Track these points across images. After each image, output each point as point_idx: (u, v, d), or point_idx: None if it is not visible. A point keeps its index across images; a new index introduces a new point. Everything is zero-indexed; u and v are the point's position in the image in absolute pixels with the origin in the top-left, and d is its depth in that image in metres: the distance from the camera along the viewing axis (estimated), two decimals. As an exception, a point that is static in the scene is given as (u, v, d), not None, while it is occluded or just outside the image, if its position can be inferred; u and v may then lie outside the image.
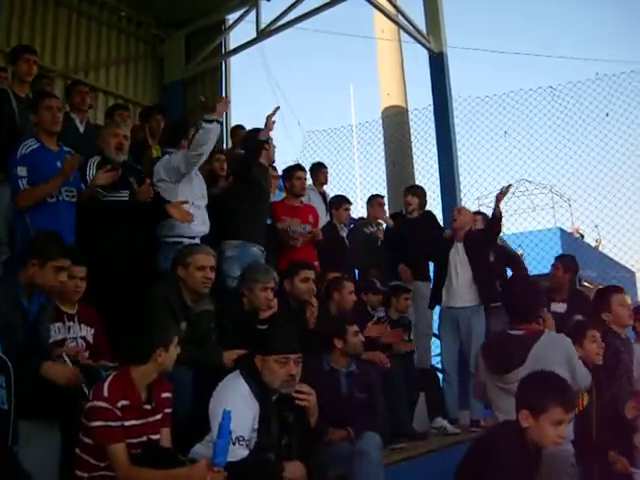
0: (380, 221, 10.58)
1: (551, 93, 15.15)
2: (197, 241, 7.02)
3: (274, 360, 4.61)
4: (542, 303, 6.68)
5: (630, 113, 15.00)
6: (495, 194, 9.25)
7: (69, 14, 12.53)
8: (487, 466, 4.24)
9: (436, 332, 9.98)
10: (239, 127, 11.31)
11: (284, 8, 12.92)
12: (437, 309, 9.83)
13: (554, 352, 5.45)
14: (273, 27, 13.09)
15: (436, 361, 10.61)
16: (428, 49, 12.22)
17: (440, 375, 9.16)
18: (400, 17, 12.33)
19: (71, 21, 12.61)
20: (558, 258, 9.16)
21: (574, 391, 4.64)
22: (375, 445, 5.56)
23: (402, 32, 13.74)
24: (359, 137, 17.45)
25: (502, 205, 9.03)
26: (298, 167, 9.03)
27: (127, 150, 6.85)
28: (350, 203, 9.96)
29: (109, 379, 4.15)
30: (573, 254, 9.92)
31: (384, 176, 15.47)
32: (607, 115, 15.04)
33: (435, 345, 10.43)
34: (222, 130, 13.47)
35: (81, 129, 7.92)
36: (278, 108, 7.86)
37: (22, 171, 6.07)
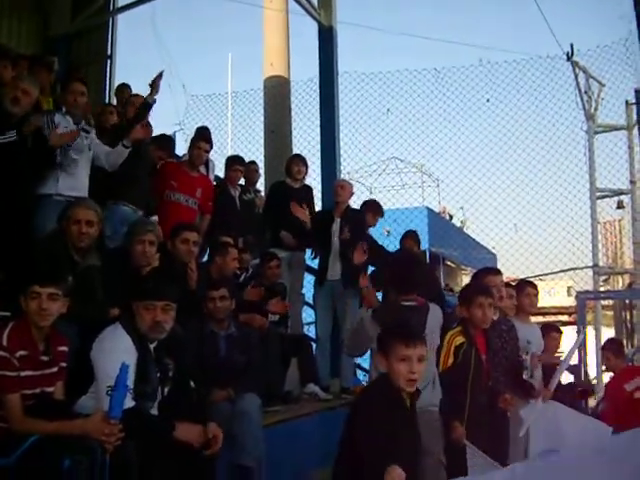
0: (258, 188, 10.71)
1: (435, 75, 15.57)
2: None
3: (142, 306, 4.72)
4: (425, 275, 6.92)
5: (509, 101, 15.57)
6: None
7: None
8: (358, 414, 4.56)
9: (309, 301, 10.21)
10: (124, 85, 11.21)
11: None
12: (310, 279, 10.09)
13: (437, 321, 6.02)
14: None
15: (307, 329, 10.87)
16: (318, 22, 12.26)
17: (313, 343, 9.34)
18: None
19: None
20: (410, 234, 9.55)
21: (416, 331, 4.98)
22: (255, 406, 5.85)
23: (291, 3, 13.77)
24: (239, 105, 17.63)
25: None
26: (202, 137, 9.08)
27: (26, 106, 6.72)
28: (241, 164, 10.00)
29: (8, 328, 4.19)
30: (439, 233, 10.35)
31: (260, 145, 15.62)
32: (488, 101, 15.55)
33: (307, 314, 10.68)
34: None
35: None
36: (162, 72, 7.94)
37: None
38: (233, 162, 9.90)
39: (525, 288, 7.54)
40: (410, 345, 4.53)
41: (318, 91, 12.48)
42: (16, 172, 6.48)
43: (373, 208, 9.64)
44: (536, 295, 7.57)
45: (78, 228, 5.68)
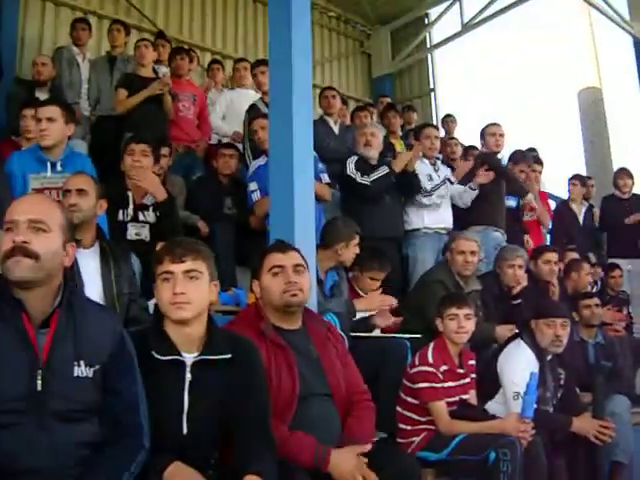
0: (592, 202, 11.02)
1: None
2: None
3: (543, 323, 5.41)
4: None
5: None
6: None
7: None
8: None
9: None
10: (448, 116, 12.03)
11: (487, 0, 13.46)
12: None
13: None
14: (477, 20, 13.66)
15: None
16: (632, 35, 12.41)
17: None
18: (601, 3, 12.60)
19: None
20: None
21: None
22: (625, 407, 6.27)
23: (595, 15, 13.91)
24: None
25: None
26: (536, 161, 9.79)
27: (377, 146, 7.66)
28: (579, 180, 10.41)
29: (430, 349, 5.04)
30: None
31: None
32: None
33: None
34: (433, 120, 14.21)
35: (336, 131, 8.60)
36: None
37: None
38: (573, 178, 10.33)
39: None
40: None
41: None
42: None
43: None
44: None
45: (463, 258, 6.46)
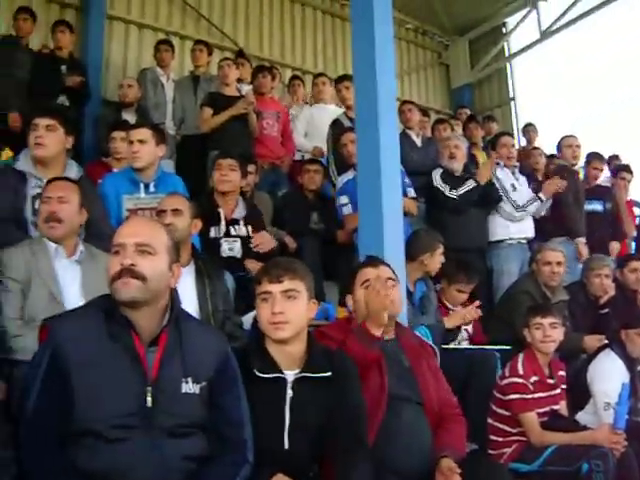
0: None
1: None
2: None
3: (635, 333, 5.41)
4: None
5: None
6: None
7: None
8: None
9: None
10: (530, 125, 11.98)
11: (565, 6, 13.32)
12: None
13: None
14: (556, 27, 13.56)
15: None
16: None
17: None
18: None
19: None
20: None
21: None
22: None
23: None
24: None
25: None
26: (625, 169, 9.76)
27: (461, 158, 7.73)
28: None
29: (520, 360, 5.08)
30: None
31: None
32: None
33: None
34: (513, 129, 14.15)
35: (419, 144, 8.60)
36: None
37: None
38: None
39: None
40: None
41: None
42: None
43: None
44: None
45: (550, 268, 6.51)
